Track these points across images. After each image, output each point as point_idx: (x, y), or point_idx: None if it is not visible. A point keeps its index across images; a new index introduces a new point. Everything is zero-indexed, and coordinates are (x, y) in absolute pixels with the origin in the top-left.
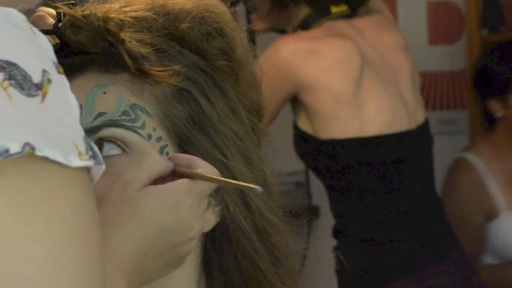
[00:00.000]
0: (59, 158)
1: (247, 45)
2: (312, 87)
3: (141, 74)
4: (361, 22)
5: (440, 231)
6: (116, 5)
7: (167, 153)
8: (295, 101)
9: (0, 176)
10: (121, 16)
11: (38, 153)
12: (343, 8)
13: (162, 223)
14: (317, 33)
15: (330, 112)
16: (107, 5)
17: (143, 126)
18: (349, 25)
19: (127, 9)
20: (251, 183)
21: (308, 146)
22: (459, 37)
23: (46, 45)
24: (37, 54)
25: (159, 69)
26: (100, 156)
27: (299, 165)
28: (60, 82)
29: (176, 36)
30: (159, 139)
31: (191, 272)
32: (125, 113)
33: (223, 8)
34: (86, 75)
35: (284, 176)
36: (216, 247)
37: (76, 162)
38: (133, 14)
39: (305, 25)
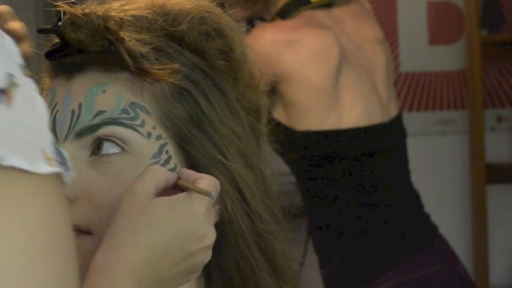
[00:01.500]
0: (25, 165)
1: (246, 46)
2: (290, 78)
3: (140, 73)
4: (340, 12)
5: (419, 222)
6: (116, 4)
7: (166, 151)
8: (271, 92)
9: None
10: (121, 15)
11: (3, 162)
12: None
13: (176, 230)
14: (296, 22)
15: (307, 103)
16: (107, 4)
17: (142, 124)
18: (328, 15)
19: (126, 7)
20: (252, 185)
21: (283, 137)
22: (459, 37)
23: (12, 47)
24: (1, 57)
25: (158, 67)
26: (69, 162)
27: None
28: (27, 86)
29: (175, 36)
30: (158, 137)
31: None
32: (124, 111)
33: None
34: (85, 74)
35: (283, 176)
36: (215, 247)
37: (43, 168)
38: (133, 13)
39: (284, 14)
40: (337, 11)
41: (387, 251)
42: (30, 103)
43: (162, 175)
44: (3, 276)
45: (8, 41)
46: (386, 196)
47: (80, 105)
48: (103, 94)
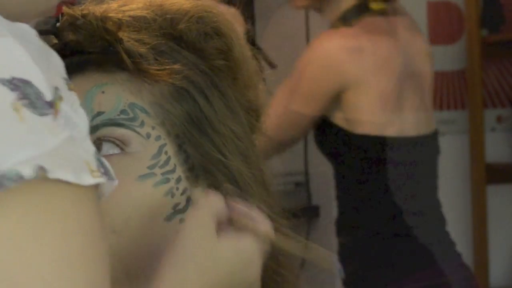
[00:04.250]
0: (70, 178)
1: (245, 45)
2: (359, 86)
3: (139, 73)
4: (396, 22)
5: (445, 234)
6: (114, 5)
7: (166, 152)
8: (334, 99)
9: (12, 197)
10: (119, 16)
11: (50, 175)
12: (381, 6)
13: (236, 279)
14: (360, 30)
15: (371, 110)
16: (105, 5)
17: (141, 125)
18: (387, 23)
19: (125, 8)
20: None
21: (340, 140)
22: (459, 37)
23: (57, 61)
24: (49, 71)
25: (157, 68)
26: (112, 172)
27: (299, 165)
28: (70, 99)
29: (174, 36)
30: (157, 138)
31: None
32: (123, 112)
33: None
34: (84, 75)
35: (284, 176)
36: None
37: (88, 180)
38: (131, 13)
39: (346, 19)
40: (392, 20)
41: (419, 253)
42: (74, 116)
43: (219, 204)
44: (42, 284)
45: (55, 56)
46: (423, 205)
47: None
48: (102, 95)
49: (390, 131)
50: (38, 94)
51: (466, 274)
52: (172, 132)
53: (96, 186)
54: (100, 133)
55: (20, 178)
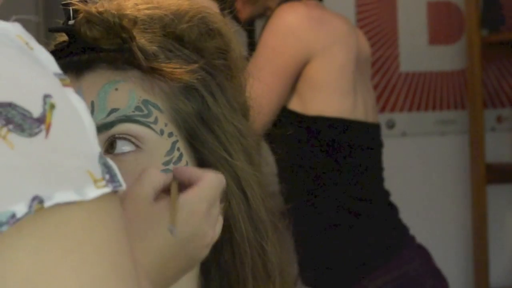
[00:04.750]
0: (72, 197)
1: (242, 47)
2: (323, 56)
3: (153, 71)
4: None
5: (398, 220)
6: (129, 3)
7: (178, 148)
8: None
9: (16, 239)
10: (135, 13)
11: (48, 204)
12: None
13: (180, 233)
14: (314, 5)
15: (331, 85)
16: (120, 2)
17: (155, 122)
18: (327, 10)
19: (141, 7)
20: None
21: (293, 125)
22: (459, 37)
23: (46, 58)
24: (36, 76)
25: (171, 66)
26: (119, 176)
27: None
28: (65, 100)
29: (175, 35)
30: (170, 134)
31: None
32: (138, 108)
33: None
34: (95, 72)
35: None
36: (216, 245)
37: (92, 193)
38: (147, 12)
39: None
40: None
41: (377, 248)
42: (71, 118)
43: (158, 178)
44: None
45: (40, 51)
46: (376, 191)
47: (92, 103)
48: (115, 92)
49: (345, 113)
50: (23, 114)
51: (424, 257)
52: (184, 128)
53: (110, 194)
54: (116, 129)
55: (12, 218)
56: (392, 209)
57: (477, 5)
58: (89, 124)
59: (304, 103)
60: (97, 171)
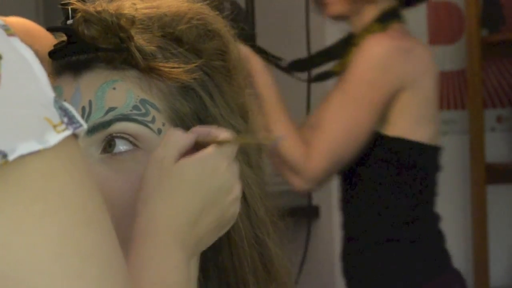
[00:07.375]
0: (34, 146)
1: (240, 47)
2: (413, 87)
3: (151, 70)
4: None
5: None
6: (128, 3)
7: None
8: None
9: None
10: (133, 13)
11: (11, 157)
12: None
13: (205, 190)
14: (399, 33)
15: (419, 112)
16: (118, 2)
17: (153, 121)
18: (408, 31)
19: (139, 7)
20: (253, 184)
21: (370, 142)
22: (459, 37)
23: None
24: None
25: (168, 66)
26: (77, 116)
27: None
28: (12, 49)
29: (174, 36)
30: None
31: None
32: (135, 107)
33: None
34: (93, 71)
35: (280, 176)
36: (214, 245)
37: (53, 138)
38: (145, 12)
39: (381, 22)
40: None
41: (430, 264)
42: (21, 67)
43: (183, 138)
44: (40, 271)
45: None
46: (433, 213)
47: (90, 102)
48: (113, 91)
49: (423, 137)
50: None
51: (464, 285)
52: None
53: (70, 137)
54: (113, 128)
55: None
56: (440, 235)
57: (477, 5)
58: (39, 71)
59: (387, 124)
60: (55, 116)
